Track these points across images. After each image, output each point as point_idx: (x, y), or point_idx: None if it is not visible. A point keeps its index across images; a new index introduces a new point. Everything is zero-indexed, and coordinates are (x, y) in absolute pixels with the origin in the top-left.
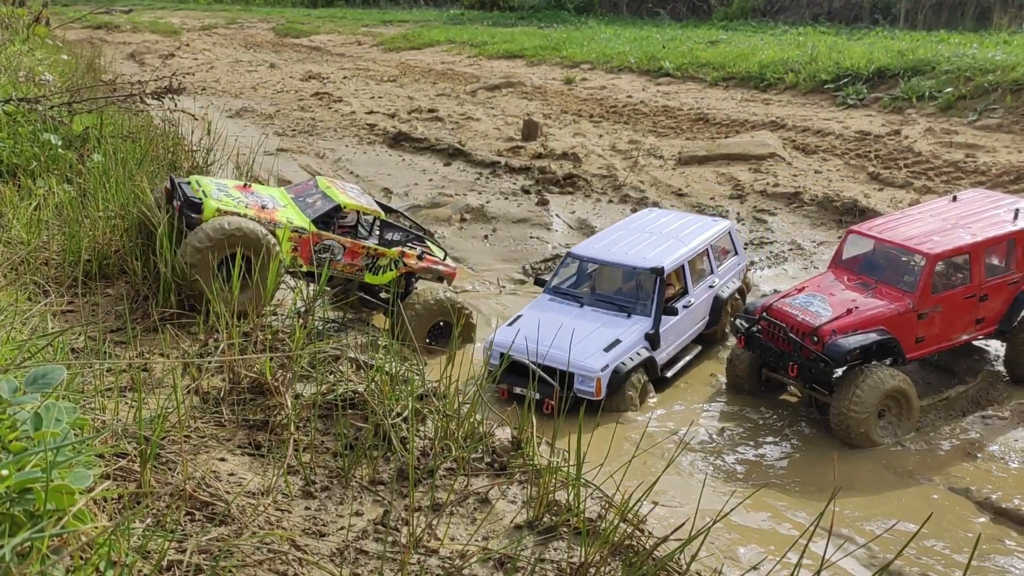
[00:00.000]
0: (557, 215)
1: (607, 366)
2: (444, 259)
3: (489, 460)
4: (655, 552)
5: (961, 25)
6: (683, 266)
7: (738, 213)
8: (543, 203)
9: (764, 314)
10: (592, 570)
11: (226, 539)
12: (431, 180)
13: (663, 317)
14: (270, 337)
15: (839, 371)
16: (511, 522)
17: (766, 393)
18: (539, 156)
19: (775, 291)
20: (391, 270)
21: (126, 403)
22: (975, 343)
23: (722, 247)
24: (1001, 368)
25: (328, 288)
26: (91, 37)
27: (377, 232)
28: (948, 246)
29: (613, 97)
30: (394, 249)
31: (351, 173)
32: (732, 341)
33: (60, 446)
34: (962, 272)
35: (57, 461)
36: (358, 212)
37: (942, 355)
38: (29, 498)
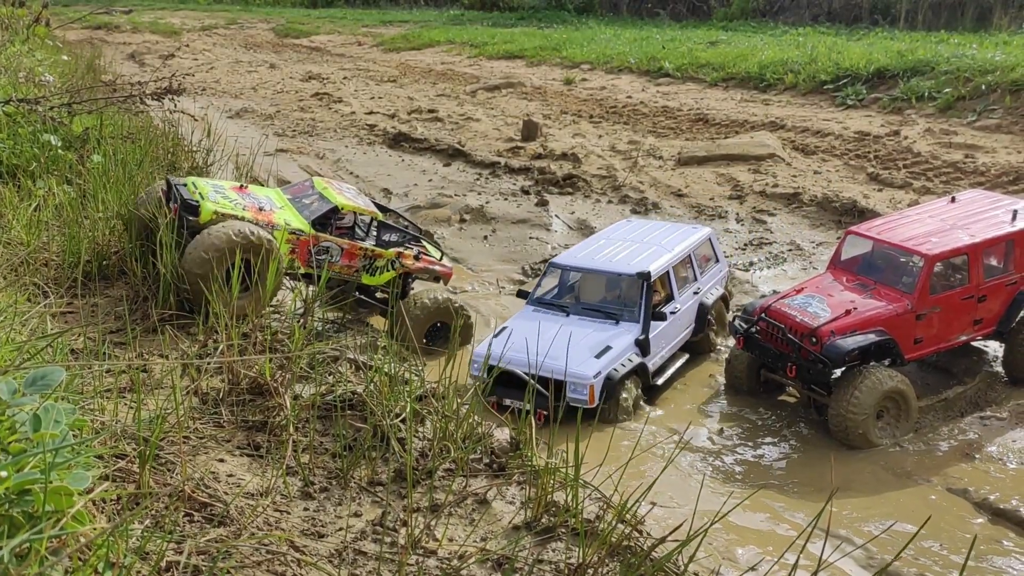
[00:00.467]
0: (557, 216)
1: (599, 372)
2: (441, 259)
3: (488, 461)
4: (653, 553)
5: (961, 26)
6: (668, 272)
7: (737, 213)
8: (543, 204)
9: (763, 315)
10: (590, 571)
11: (225, 540)
12: (431, 181)
13: (652, 323)
14: (269, 338)
15: (837, 372)
16: (509, 523)
17: (764, 394)
18: (539, 157)
19: (774, 292)
20: (388, 271)
21: (125, 404)
22: (973, 344)
23: (703, 254)
24: (999, 369)
25: (326, 290)
26: (91, 37)
27: (374, 233)
28: (946, 247)
29: (613, 98)
30: (391, 250)
31: (351, 174)
32: (723, 350)
33: (59, 447)
34: (960, 273)
35: (56, 462)
36: (355, 213)
37: (940, 356)
38: (28, 499)
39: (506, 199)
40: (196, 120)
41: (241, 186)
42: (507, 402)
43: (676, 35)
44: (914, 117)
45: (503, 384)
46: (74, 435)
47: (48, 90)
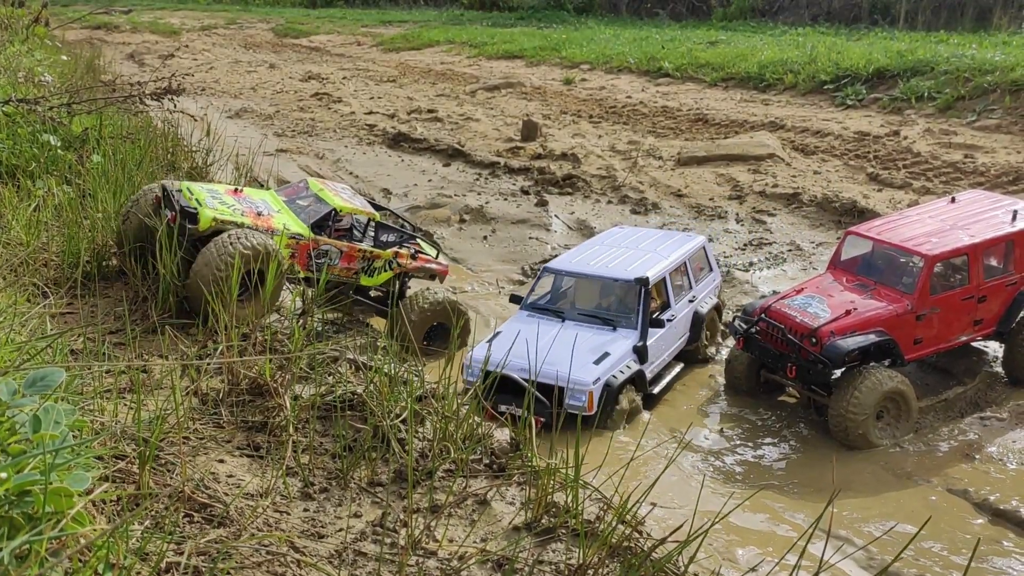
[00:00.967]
0: (556, 216)
1: (599, 379)
2: (437, 256)
3: (488, 462)
4: (653, 554)
5: (960, 26)
6: (665, 279)
7: (737, 214)
8: (542, 204)
9: (763, 315)
10: (590, 572)
11: (225, 541)
12: (430, 181)
13: (649, 330)
14: (269, 339)
15: (837, 372)
16: (509, 523)
17: (764, 394)
18: (538, 157)
19: (774, 292)
20: (386, 271)
21: (125, 405)
22: (974, 344)
23: (698, 263)
24: (999, 369)
25: (324, 292)
26: (90, 37)
27: (372, 233)
28: (946, 247)
29: (612, 98)
30: (388, 250)
31: (350, 174)
32: (719, 361)
33: (59, 448)
34: (960, 273)
35: (56, 463)
36: (352, 214)
37: (940, 356)
38: (28, 500)
39: (506, 199)
40: (196, 120)
41: (236, 189)
42: (503, 408)
43: (676, 35)
44: (914, 117)
45: (499, 390)
46: (74, 436)
47: (47, 90)
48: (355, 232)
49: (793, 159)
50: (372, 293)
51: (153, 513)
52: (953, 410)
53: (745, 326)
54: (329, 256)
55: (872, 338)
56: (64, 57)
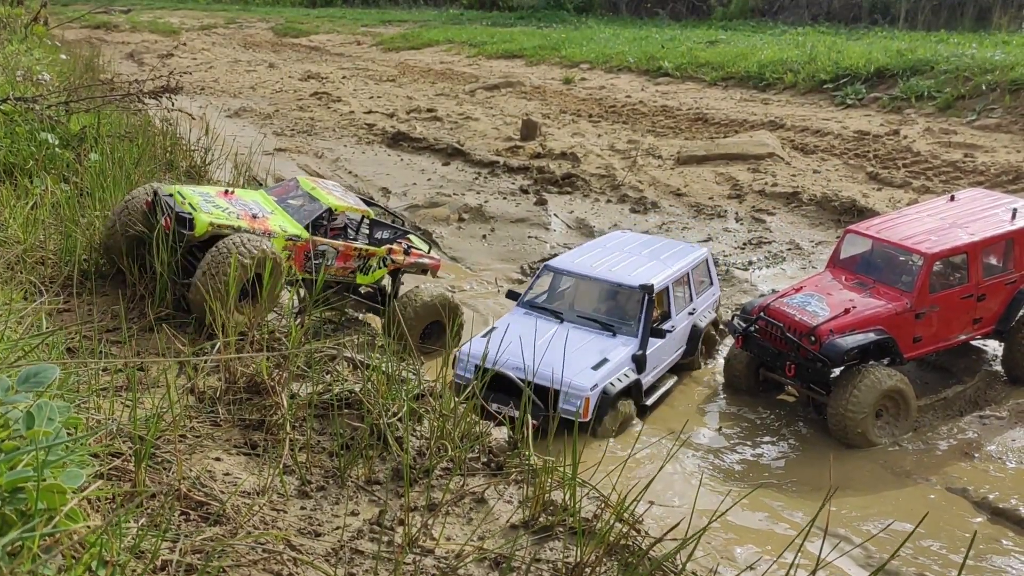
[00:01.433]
0: (555, 215)
1: (596, 385)
2: (429, 251)
3: (485, 460)
4: (651, 552)
5: (960, 25)
6: (668, 288)
7: (736, 213)
8: (541, 203)
9: (762, 314)
10: (588, 570)
11: (220, 539)
12: (429, 180)
13: (649, 339)
14: (266, 337)
15: (836, 371)
16: (507, 522)
17: (763, 393)
18: (538, 156)
19: (773, 291)
20: (380, 268)
21: (121, 402)
22: (973, 343)
23: (700, 275)
24: (999, 368)
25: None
26: (90, 37)
27: (366, 231)
28: (946, 246)
29: (612, 97)
30: (382, 247)
31: (349, 173)
32: (714, 368)
33: (52, 445)
34: (960, 272)
35: (49, 460)
36: (346, 213)
37: (940, 355)
38: (21, 497)
39: (505, 198)
40: (194, 119)
41: (227, 191)
42: (494, 407)
43: (675, 34)
44: (913, 116)
45: (491, 388)
46: (68, 433)
47: (46, 89)
48: (348, 230)
49: (793, 158)
50: (362, 290)
51: (149, 511)
52: (952, 409)
53: (744, 325)
54: (326, 256)
55: (871, 336)
56: (63, 56)
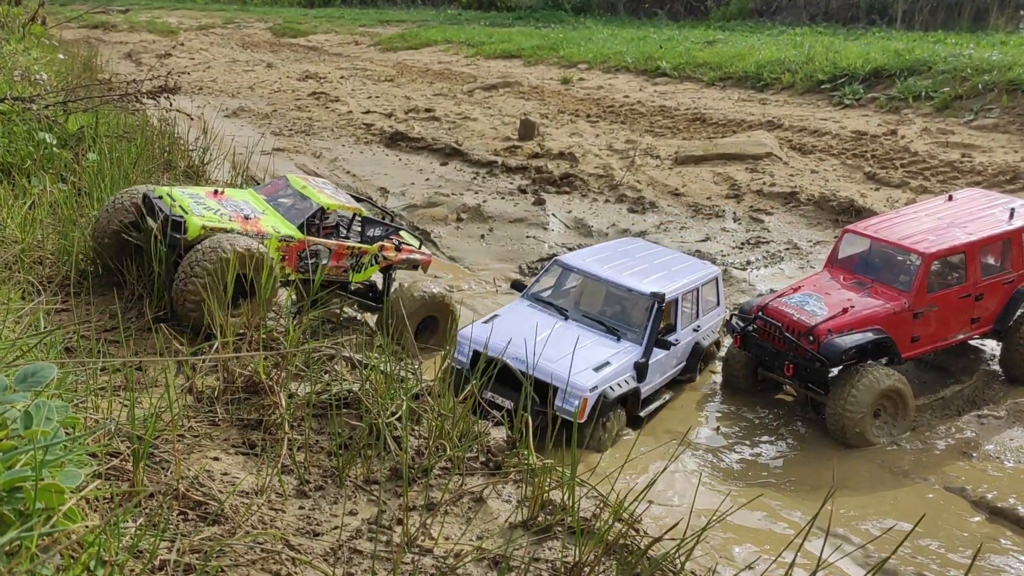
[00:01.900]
0: (554, 215)
1: (596, 387)
2: (419, 247)
3: (484, 459)
4: (650, 551)
5: (958, 26)
6: (677, 300)
7: (734, 213)
8: (540, 203)
9: (760, 313)
10: (587, 570)
11: (219, 538)
12: (428, 180)
13: (653, 349)
14: (264, 336)
15: (835, 370)
16: (506, 521)
17: (762, 392)
18: (536, 156)
19: (771, 290)
20: (372, 265)
21: (119, 402)
22: (971, 342)
23: (708, 294)
24: (996, 367)
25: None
26: (88, 36)
27: (358, 229)
28: (943, 245)
29: (610, 97)
30: (375, 244)
31: (348, 172)
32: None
33: (50, 444)
34: (958, 271)
35: (47, 460)
36: (338, 211)
37: (938, 354)
38: (19, 497)
39: (503, 198)
40: (192, 119)
41: (216, 191)
42: (488, 394)
43: (673, 35)
44: (911, 116)
45: (488, 377)
46: (66, 432)
47: (43, 88)
48: (340, 228)
49: (790, 158)
50: (352, 287)
51: (147, 510)
52: (950, 408)
53: (742, 324)
54: (319, 256)
55: (869, 336)
56: (61, 56)
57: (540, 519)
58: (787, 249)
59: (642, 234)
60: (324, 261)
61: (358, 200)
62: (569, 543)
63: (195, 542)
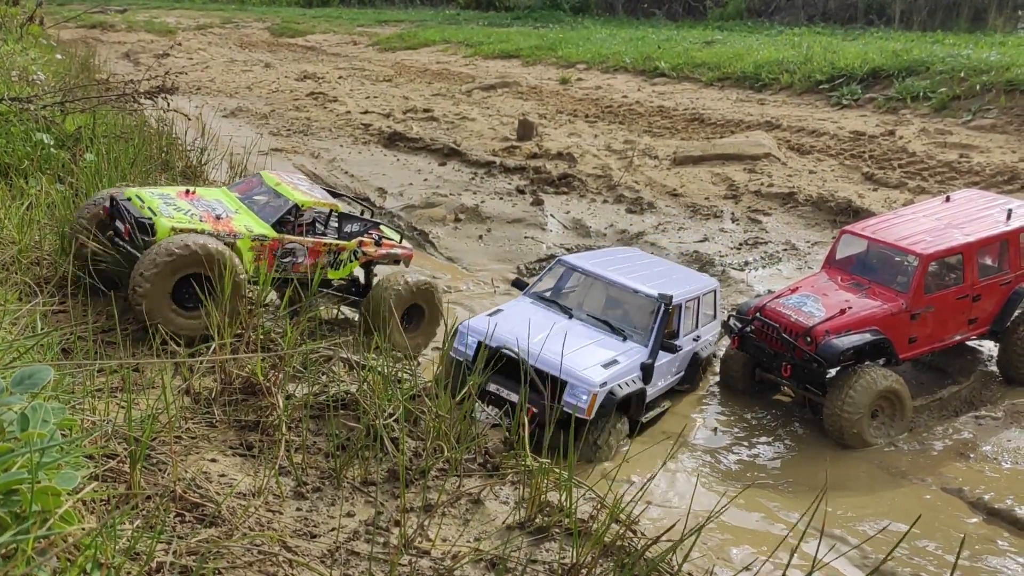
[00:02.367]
0: (552, 215)
1: (605, 383)
2: (400, 241)
3: (481, 461)
4: (647, 553)
5: (956, 26)
6: (681, 306)
7: (732, 213)
8: (538, 203)
9: (758, 314)
10: (584, 571)
11: (216, 540)
12: (426, 180)
13: (659, 353)
14: (262, 337)
15: (832, 371)
16: (503, 523)
17: (760, 393)
18: (534, 156)
19: (769, 291)
20: (352, 262)
21: (116, 403)
22: (968, 343)
23: (707, 306)
24: (994, 368)
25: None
26: (85, 36)
27: (335, 224)
28: (941, 246)
29: (608, 97)
30: (353, 240)
31: (346, 173)
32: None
33: (46, 447)
34: (955, 272)
35: (44, 462)
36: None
37: (935, 355)
38: (15, 499)
39: (501, 198)
40: (190, 119)
41: (188, 191)
42: (492, 387)
43: (672, 35)
44: (909, 117)
45: (493, 369)
46: (63, 434)
47: (41, 89)
48: (317, 225)
49: (789, 159)
50: (335, 284)
51: (144, 512)
52: (948, 409)
53: (740, 325)
54: (295, 254)
55: (867, 337)
56: (59, 56)
57: (537, 520)
58: (785, 250)
59: (640, 235)
60: (300, 260)
61: (335, 195)
62: (566, 544)
63: (192, 544)
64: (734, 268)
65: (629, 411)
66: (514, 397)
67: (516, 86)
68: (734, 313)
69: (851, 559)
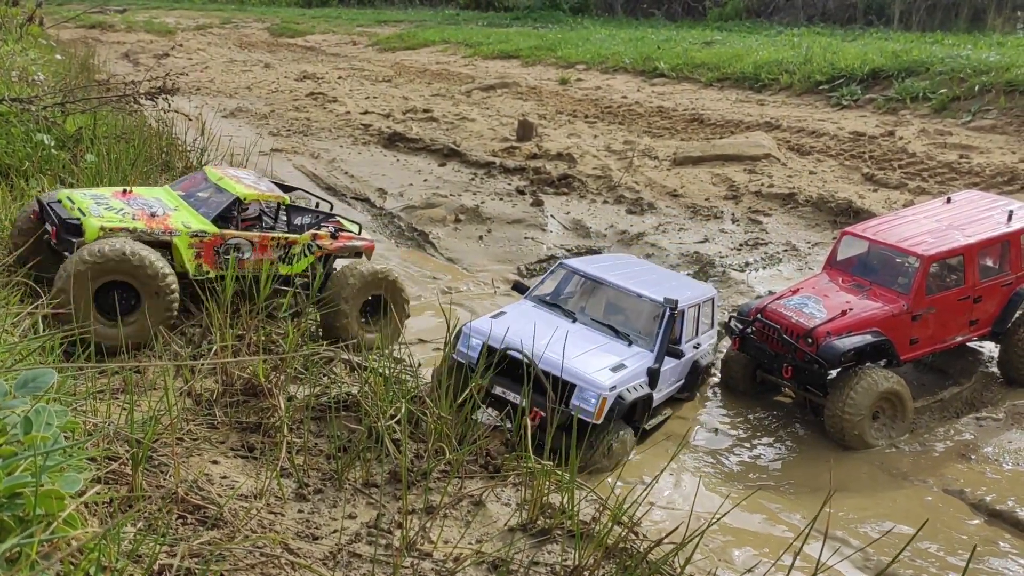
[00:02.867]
0: (552, 216)
1: (615, 387)
2: (360, 233)
3: (483, 463)
4: (649, 555)
5: (955, 26)
6: (683, 312)
7: (733, 214)
8: (538, 204)
9: (759, 316)
10: (586, 573)
11: (218, 542)
12: (426, 180)
13: (665, 358)
14: (263, 339)
15: (833, 373)
16: (505, 525)
17: (761, 395)
18: (534, 157)
19: (770, 292)
20: (306, 256)
21: (118, 406)
22: (969, 345)
23: (704, 315)
24: (995, 369)
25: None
26: (85, 37)
27: (284, 218)
28: (942, 247)
29: (608, 98)
30: (305, 234)
31: (345, 173)
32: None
33: (50, 450)
34: (956, 273)
35: (47, 465)
36: (259, 201)
37: (936, 356)
38: (19, 503)
39: (501, 199)
40: (190, 119)
41: (125, 190)
42: (498, 390)
43: (671, 35)
44: (909, 117)
45: (498, 372)
46: (66, 437)
47: (41, 89)
48: (266, 219)
49: (789, 159)
50: (298, 281)
51: (146, 515)
52: (949, 410)
53: (741, 326)
54: (240, 250)
55: (868, 338)
56: (58, 56)
57: (539, 522)
58: (785, 250)
59: (640, 235)
60: (245, 255)
61: (288, 189)
62: (568, 547)
63: (194, 546)
64: (735, 269)
65: (634, 418)
66: (520, 400)
67: (516, 86)
68: (735, 314)
69: (854, 562)
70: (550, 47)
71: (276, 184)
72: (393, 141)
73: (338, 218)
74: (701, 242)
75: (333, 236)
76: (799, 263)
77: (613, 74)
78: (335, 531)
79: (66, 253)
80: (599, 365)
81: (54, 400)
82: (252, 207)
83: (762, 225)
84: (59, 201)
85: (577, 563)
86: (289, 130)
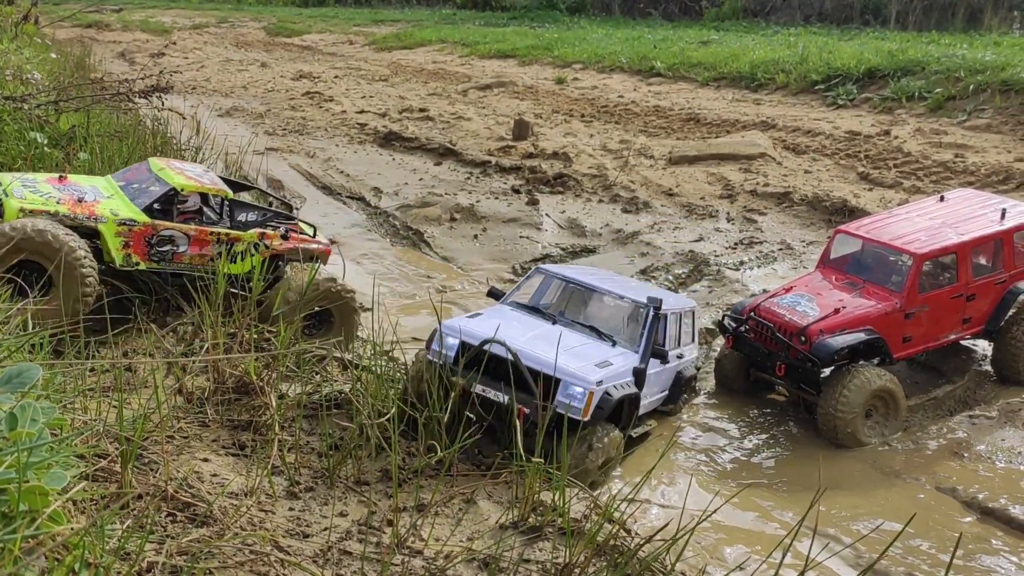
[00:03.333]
0: (547, 215)
1: (601, 382)
2: (315, 235)
3: (474, 460)
4: (640, 552)
5: (951, 26)
6: (666, 317)
7: (728, 213)
8: (533, 203)
9: (752, 314)
10: (577, 570)
11: (207, 540)
12: (421, 180)
13: (650, 360)
14: (255, 337)
15: (826, 371)
16: (496, 522)
17: (754, 393)
18: (530, 156)
19: (764, 291)
20: (252, 255)
21: (108, 403)
22: (962, 343)
23: (686, 326)
24: (988, 368)
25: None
26: (81, 36)
27: (228, 214)
28: (935, 246)
29: (604, 97)
30: (251, 232)
31: (341, 172)
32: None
33: (35, 446)
34: (949, 272)
35: (32, 462)
36: (202, 195)
37: (929, 355)
38: (3, 499)
39: (497, 198)
40: (185, 118)
41: (60, 176)
42: (479, 389)
43: (668, 35)
44: (904, 117)
45: (478, 369)
46: (53, 434)
47: (35, 87)
48: (211, 214)
49: (784, 158)
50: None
51: (134, 512)
52: (942, 408)
53: (734, 325)
54: (175, 242)
55: (861, 336)
56: (53, 55)
57: (530, 520)
58: (780, 249)
59: (635, 234)
60: (180, 249)
61: (240, 186)
62: (559, 544)
63: (183, 544)
64: (729, 268)
65: (620, 420)
66: (502, 398)
67: (512, 86)
68: (729, 312)
69: (844, 558)
70: (547, 46)
71: (226, 180)
72: (389, 140)
73: (297, 220)
74: (696, 241)
75: (284, 237)
76: (794, 262)
77: (609, 73)
78: (326, 529)
79: None
80: (584, 361)
81: (42, 397)
82: (192, 200)
83: (757, 224)
84: None
85: (568, 560)
86: (285, 129)
